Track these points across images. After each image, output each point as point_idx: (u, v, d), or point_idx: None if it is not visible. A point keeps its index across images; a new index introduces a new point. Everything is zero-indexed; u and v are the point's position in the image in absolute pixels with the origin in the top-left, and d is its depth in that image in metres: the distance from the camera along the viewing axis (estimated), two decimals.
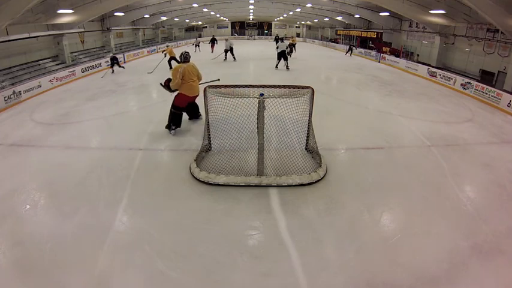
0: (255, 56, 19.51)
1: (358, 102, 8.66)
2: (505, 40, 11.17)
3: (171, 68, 13.05)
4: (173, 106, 5.93)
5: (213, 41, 22.46)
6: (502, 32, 10.84)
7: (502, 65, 11.56)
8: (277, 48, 13.54)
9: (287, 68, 13.41)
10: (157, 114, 7.09)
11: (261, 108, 4.14)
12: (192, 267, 2.96)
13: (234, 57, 16.57)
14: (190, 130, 6.27)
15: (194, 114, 6.67)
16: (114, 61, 13.67)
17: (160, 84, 6.19)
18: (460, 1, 10.69)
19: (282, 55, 13.49)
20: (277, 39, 24.73)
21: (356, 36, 25.55)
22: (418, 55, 16.94)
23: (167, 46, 14.61)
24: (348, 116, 7.43)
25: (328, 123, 6.62)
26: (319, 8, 23.75)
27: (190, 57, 6.01)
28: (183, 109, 6.09)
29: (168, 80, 5.98)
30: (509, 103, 8.25)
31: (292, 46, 18.62)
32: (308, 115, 4.69)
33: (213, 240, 3.29)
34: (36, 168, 4.86)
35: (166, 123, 6.12)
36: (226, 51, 16.68)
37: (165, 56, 14.23)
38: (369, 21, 22.29)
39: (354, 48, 21.24)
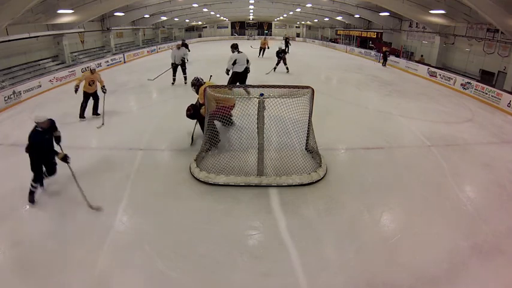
0: (255, 56, 19.49)
1: (358, 102, 8.65)
2: (505, 40, 11.17)
3: (80, 116, 6.98)
4: (210, 123, 4.90)
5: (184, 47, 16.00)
6: (502, 32, 10.83)
7: (502, 65, 11.56)
8: (234, 63, 7.61)
9: (247, 93, 6.77)
10: (157, 115, 7.09)
11: (261, 108, 4.14)
12: (192, 267, 2.96)
13: (185, 78, 10.21)
14: (190, 130, 6.25)
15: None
16: None
17: (190, 116, 5.27)
18: (460, 1, 10.68)
19: (242, 78, 7.81)
20: (287, 42, 20.90)
21: (356, 36, 25.54)
22: (422, 55, 16.38)
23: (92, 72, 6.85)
24: (348, 116, 7.43)
25: (328, 123, 6.62)
26: (319, 8, 23.73)
27: (202, 79, 5.34)
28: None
29: (195, 108, 5.06)
30: (509, 103, 8.25)
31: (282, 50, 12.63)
32: (308, 115, 4.69)
33: (213, 240, 3.29)
34: None
35: (190, 141, 5.32)
36: (174, 66, 10.00)
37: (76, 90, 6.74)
38: (369, 21, 22.27)
39: (388, 56, 16.22)
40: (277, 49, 12.87)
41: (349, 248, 3.19)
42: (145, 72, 13.54)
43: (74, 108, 8.09)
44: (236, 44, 8.10)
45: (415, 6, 13.69)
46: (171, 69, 10.31)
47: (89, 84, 6.91)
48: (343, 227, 3.53)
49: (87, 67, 7.76)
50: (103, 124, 5.85)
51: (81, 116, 7.08)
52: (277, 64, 12.60)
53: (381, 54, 16.81)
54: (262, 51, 18.26)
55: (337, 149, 5.53)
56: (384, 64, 16.28)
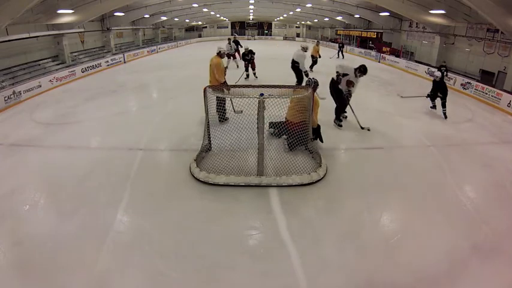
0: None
1: (358, 102, 8.63)
2: (505, 40, 11.16)
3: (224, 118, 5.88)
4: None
5: (236, 45, 14.56)
6: (502, 32, 10.82)
7: (502, 65, 11.55)
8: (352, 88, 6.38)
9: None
10: (158, 115, 7.09)
11: (261, 108, 4.13)
12: (192, 267, 2.96)
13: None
14: (190, 130, 6.26)
15: None
16: None
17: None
18: (460, 1, 10.68)
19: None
20: (342, 46, 19.28)
21: (356, 36, 25.55)
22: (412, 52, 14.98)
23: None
24: (347, 115, 7.41)
25: (327, 123, 6.60)
26: (319, 8, 23.73)
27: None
28: None
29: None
30: (509, 103, 8.25)
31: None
32: (308, 115, 4.68)
33: (213, 240, 3.29)
34: (36, 168, 4.86)
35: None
36: (305, 71, 7.75)
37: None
38: (369, 21, 22.27)
39: (446, 71, 11.23)
40: (244, 50, 10.18)
41: (349, 248, 3.19)
42: (146, 72, 13.54)
43: (74, 108, 8.11)
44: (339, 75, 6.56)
45: (415, 6, 13.69)
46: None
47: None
48: (343, 227, 3.52)
49: (221, 50, 5.67)
50: (241, 111, 4.75)
51: (225, 117, 5.81)
52: (246, 70, 9.84)
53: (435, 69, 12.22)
54: (313, 63, 13.41)
55: (337, 149, 5.53)
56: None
